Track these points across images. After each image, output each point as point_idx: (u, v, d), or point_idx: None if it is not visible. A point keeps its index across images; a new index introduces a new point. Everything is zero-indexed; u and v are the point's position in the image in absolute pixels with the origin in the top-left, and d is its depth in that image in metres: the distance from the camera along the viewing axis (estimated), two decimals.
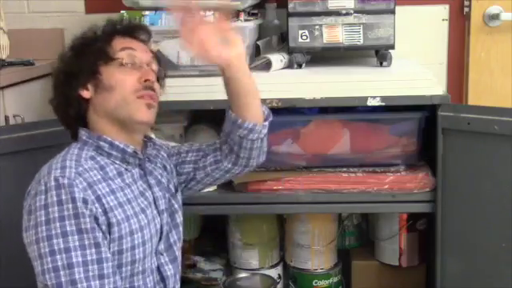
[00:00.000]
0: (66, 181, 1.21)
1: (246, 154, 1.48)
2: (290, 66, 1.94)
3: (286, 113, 1.83)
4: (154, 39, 1.81)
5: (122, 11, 1.87)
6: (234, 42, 1.38)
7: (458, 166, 1.73)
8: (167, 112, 1.95)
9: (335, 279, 2.13)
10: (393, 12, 1.88)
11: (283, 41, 2.07)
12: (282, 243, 2.17)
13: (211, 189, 1.88)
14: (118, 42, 1.37)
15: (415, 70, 1.95)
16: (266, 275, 2.06)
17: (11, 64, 2.00)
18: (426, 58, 2.17)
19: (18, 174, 1.63)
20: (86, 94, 1.34)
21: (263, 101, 1.74)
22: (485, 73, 2.19)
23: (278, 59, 1.92)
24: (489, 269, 1.71)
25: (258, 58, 1.96)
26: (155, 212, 1.38)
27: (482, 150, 1.69)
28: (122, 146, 1.34)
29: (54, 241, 1.18)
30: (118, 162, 1.34)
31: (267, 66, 1.90)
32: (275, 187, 1.84)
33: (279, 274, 2.14)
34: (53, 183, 1.21)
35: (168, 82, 1.80)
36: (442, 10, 2.21)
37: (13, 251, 1.59)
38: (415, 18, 2.20)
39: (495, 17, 2.15)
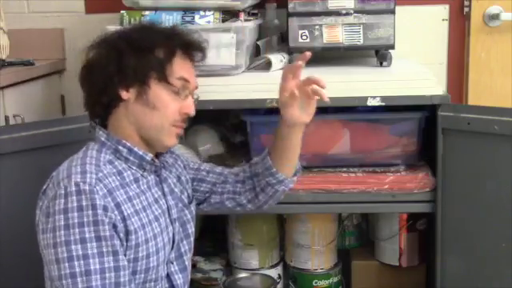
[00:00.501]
0: (87, 187, 1.20)
1: (264, 198, 1.52)
2: None
3: None
4: None
5: (122, 11, 1.87)
6: (312, 108, 1.42)
7: (458, 166, 1.73)
8: None
9: (335, 279, 2.13)
10: (393, 12, 1.88)
11: (283, 41, 2.07)
12: (282, 243, 2.17)
13: None
14: (178, 65, 1.33)
15: (415, 69, 1.95)
16: (266, 275, 2.06)
17: (11, 64, 2.00)
18: (426, 58, 2.18)
19: (18, 173, 1.63)
20: (125, 95, 1.30)
21: (263, 100, 1.75)
22: (485, 73, 2.19)
23: (278, 59, 1.92)
24: (489, 269, 1.71)
25: (257, 58, 1.96)
26: (168, 220, 1.37)
27: (482, 150, 1.69)
28: (140, 153, 1.32)
29: (73, 247, 1.18)
30: (134, 168, 1.33)
31: (267, 66, 1.90)
32: None
33: (279, 274, 2.14)
34: (73, 188, 1.20)
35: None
36: (442, 10, 2.21)
37: (14, 251, 1.60)
38: (415, 18, 2.20)
39: (495, 17, 2.16)
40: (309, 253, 2.09)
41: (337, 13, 1.88)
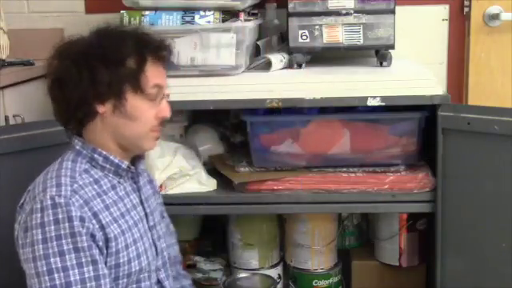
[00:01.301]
0: (62, 200, 1.21)
1: None
2: (290, 66, 1.95)
3: (286, 113, 1.83)
4: None
5: (122, 11, 1.87)
6: None
7: (458, 166, 1.73)
8: None
9: (335, 279, 2.13)
10: (393, 12, 1.88)
11: (283, 41, 2.07)
12: (282, 243, 2.17)
13: (211, 188, 1.89)
14: (151, 72, 1.31)
15: (415, 69, 1.95)
16: (266, 275, 2.06)
17: (11, 64, 2.00)
18: (426, 57, 2.17)
19: (18, 174, 1.63)
20: (101, 109, 1.30)
21: (263, 100, 1.76)
22: (485, 73, 2.19)
23: (278, 59, 1.92)
24: (489, 269, 1.71)
25: (257, 58, 1.96)
26: (146, 227, 1.39)
27: (481, 150, 1.69)
28: (116, 161, 1.33)
29: (52, 260, 1.19)
30: (111, 175, 1.34)
31: (267, 65, 1.90)
32: (275, 187, 1.84)
33: (279, 274, 2.14)
34: (49, 202, 1.21)
35: (168, 81, 1.81)
36: (442, 10, 2.21)
37: (13, 251, 1.59)
38: (415, 18, 2.20)
39: (495, 17, 2.15)
40: (309, 253, 2.09)
41: (337, 13, 1.88)
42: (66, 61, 1.31)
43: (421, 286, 2.10)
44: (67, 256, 1.20)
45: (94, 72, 1.27)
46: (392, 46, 1.90)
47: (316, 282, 2.11)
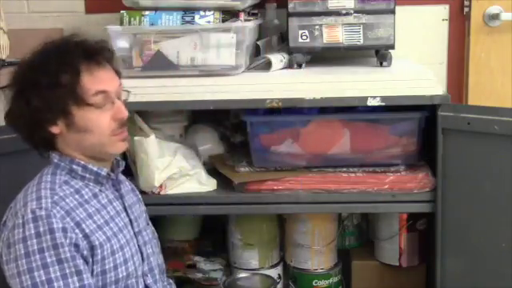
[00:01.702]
0: (43, 212, 1.22)
1: None
2: (290, 65, 1.95)
3: (286, 113, 1.83)
4: (154, 39, 1.83)
5: (122, 11, 1.87)
6: None
7: (458, 166, 1.73)
8: (167, 112, 1.96)
9: (335, 279, 2.13)
10: (393, 12, 1.88)
11: (283, 41, 2.07)
12: (282, 243, 2.17)
13: (211, 188, 1.89)
14: (88, 81, 1.28)
15: (415, 69, 1.95)
16: (266, 275, 2.06)
17: (11, 64, 1.99)
18: (426, 57, 2.17)
19: (18, 174, 1.63)
20: (55, 129, 1.30)
21: (263, 100, 1.76)
22: (485, 73, 2.19)
23: (278, 59, 1.92)
24: (489, 269, 1.71)
25: (257, 58, 1.96)
26: (132, 233, 1.40)
27: (482, 150, 1.69)
28: (95, 169, 1.34)
29: (36, 273, 1.19)
30: (91, 184, 1.34)
31: (267, 66, 1.90)
32: (275, 187, 1.84)
33: (279, 274, 2.14)
34: (30, 216, 1.21)
35: (168, 81, 1.81)
36: (442, 10, 2.21)
37: None
38: (415, 18, 2.19)
39: (495, 17, 2.15)
40: (309, 253, 2.09)
41: (337, 13, 1.88)
42: (11, 92, 1.32)
43: (421, 286, 2.10)
44: (51, 268, 1.20)
45: (29, 102, 1.28)
46: (392, 46, 1.90)
47: (316, 282, 2.11)
